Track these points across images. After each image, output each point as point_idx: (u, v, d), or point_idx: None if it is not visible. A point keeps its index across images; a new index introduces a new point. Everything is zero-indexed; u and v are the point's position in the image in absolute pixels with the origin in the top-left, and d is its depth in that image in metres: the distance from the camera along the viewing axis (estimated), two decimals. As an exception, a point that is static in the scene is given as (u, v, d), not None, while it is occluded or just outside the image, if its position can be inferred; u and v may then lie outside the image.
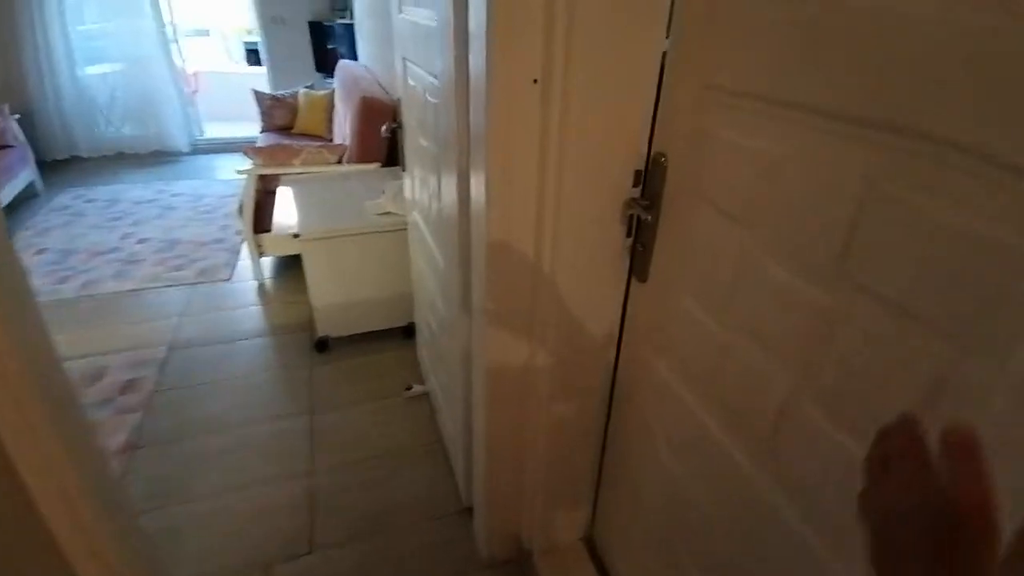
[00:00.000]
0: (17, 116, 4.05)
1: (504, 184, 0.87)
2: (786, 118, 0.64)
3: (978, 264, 0.47)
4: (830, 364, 0.63)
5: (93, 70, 4.82)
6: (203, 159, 5.16)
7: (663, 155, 0.89)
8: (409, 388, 2.03)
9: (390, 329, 2.34)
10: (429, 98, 1.25)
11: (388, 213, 2.17)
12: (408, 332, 2.32)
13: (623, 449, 1.19)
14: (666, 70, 0.85)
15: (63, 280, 2.85)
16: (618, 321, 1.08)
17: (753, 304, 0.74)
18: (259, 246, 2.68)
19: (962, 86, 0.46)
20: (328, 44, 4.92)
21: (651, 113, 0.87)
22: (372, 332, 2.32)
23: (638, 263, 0.99)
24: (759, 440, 0.77)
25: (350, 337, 2.30)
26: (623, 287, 1.04)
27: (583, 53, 0.79)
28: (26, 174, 3.94)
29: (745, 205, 0.73)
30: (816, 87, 0.60)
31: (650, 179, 0.92)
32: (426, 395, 2.02)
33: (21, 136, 4.02)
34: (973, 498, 0.29)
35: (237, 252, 3.16)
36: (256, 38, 5.47)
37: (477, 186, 0.95)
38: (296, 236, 2.07)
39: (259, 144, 3.65)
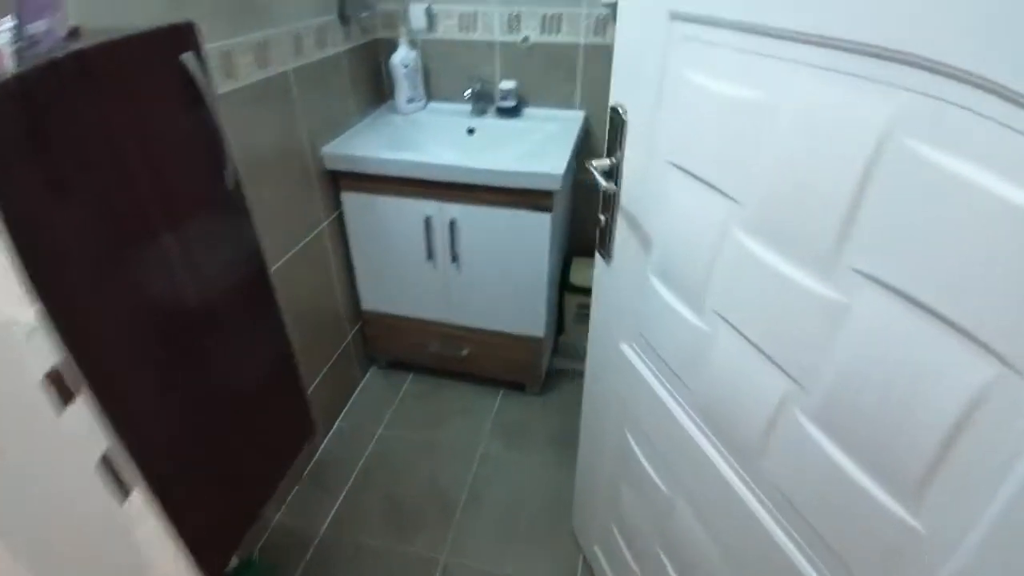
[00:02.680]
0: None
1: None
2: (770, 53, 0.49)
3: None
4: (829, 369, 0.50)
5: None
6: None
7: (622, 107, 0.73)
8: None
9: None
10: None
11: None
12: None
13: (595, 438, 1.07)
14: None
15: None
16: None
17: (736, 293, 0.61)
18: None
19: None
20: None
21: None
22: None
23: (603, 239, 0.85)
24: (745, 449, 0.65)
25: None
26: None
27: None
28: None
29: (723, 170, 0.59)
30: (812, 7, 0.44)
31: (611, 138, 0.77)
32: None
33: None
34: None
35: None
36: None
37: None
38: None
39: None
